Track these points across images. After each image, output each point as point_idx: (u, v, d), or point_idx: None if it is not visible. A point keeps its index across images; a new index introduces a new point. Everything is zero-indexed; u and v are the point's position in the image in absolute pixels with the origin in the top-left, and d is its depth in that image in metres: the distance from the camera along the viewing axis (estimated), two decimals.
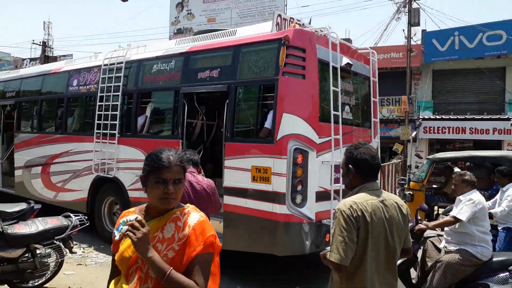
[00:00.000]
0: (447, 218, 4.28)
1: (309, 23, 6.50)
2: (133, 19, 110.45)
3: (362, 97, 6.44)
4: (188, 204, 1.87)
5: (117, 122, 6.85)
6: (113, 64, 7.17)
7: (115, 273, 1.88)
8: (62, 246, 4.93)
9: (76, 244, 6.51)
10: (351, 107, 6.09)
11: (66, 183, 7.84)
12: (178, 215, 1.78)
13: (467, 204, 4.02)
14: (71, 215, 5.07)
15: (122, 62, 7.04)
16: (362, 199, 2.25)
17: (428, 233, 4.43)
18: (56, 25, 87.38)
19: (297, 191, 4.89)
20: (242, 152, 5.41)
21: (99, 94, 7.23)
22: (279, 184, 4.89)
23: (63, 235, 4.85)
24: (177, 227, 1.74)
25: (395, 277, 2.37)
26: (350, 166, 2.39)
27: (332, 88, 5.28)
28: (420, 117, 18.57)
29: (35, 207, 5.27)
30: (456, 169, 9.12)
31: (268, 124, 5.17)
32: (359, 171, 2.36)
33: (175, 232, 1.73)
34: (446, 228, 4.25)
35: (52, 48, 41.57)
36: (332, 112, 5.27)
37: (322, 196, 5.18)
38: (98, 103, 7.21)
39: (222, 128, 6.32)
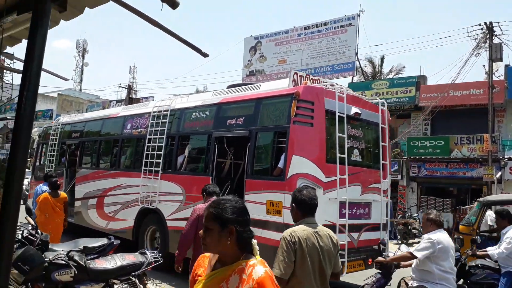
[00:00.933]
0: (404, 253, 4.64)
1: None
2: (209, 63, 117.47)
3: (372, 142, 7.30)
4: (257, 256, 1.85)
5: (161, 161, 7.97)
6: (160, 111, 8.43)
7: None
8: (137, 282, 5.03)
9: (150, 280, 6.72)
10: (360, 150, 6.93)
11: (116, 213, 8.89)
12: (244, 266, 1.78)
13: (425, 243, 4.26)
14: (147, 252, 5.23)
15: (167, 110, 8.32)
16: (299, 229, 2.92)
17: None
18: (140, 69, 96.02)
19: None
20: (259, 187, 6.31)
21: (147, 137, 8.41)
22: (289, 217, 5.21)
23: (139, 272, 4.96)
24: (241, 279, 1.74)
25: None
26: (293, 204, 3.09)
27: (338, 134, 6.18)
28: (506, 156, 17.37)
29: (114, 243, 5.51)
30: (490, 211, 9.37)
31: (280, 164, 6.06)
32: (299, 209, 3.04)
33: (239, 285, 1.74)
34: (412, 266, 4.50)
35: (136, 90, 45.52)
36: (338, 155, 6.12)
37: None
38: (146, 144, 8.37)
39: None
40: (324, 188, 5.97)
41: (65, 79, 4.13)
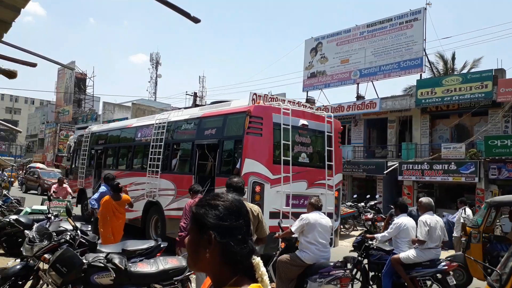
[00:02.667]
0: (287, 230, 5.80)
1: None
2: (271, 66, 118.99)
3: (320, 147, 8.88)
4: (260, 285, 1.35)
5: (160, 163, 9.91)
6: (160, 123, 10.38)
7: None
8: (180, 287, 4.89)
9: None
10: (308, 154, 8.62)
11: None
12: None
13: (299, 221, 5.48)
14: None
15: (165, 122, 10.25)
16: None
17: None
18: (209, 77, 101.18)
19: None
20: (223, 183, 7.13)
21: (151, 143, 10.34)
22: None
23: (182, 276, 4.81)
24: None
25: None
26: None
27: (283, 141, 7.91)
28: None
29: (162, 245, 5.51)
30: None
31: (238, 165, 7.83)
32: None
33: None
34: None
35: (204, 97, 47.20)
36: (282, 158, 7.88)
37: (275, 215, 7.44)
38: (150, 150, 10.28)
39: None
40: (271, 183, 7.69)
41: (18, 131, 4.24)
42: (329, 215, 7.78)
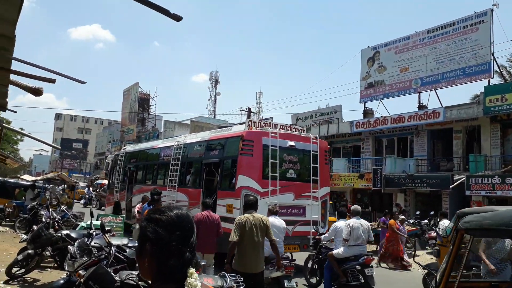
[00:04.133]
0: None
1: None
2: (328, 78, 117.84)
3: (306, 164, 10.29)
4: None
5: (177, 179, 11.73)
6: (178, 145, 12.29)
7: None
8: None
9: None
10: (295, 170, 10.15)
11: None
12: None
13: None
14: (227, 275, 4.91)
15: (181, 144, 12.15)
16: (242, 216, 5.53)
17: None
18: (266, 92, 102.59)
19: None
20: (223, 196, 9.76)
21: (171, 162, 12.16)
22: (237, 214, 8.58)
23: None
24: None
25: (261, 253, 5.43)
26: (242, 206, 7.05)
27: (271, 160, 9.52)
28: None
29: (202, 263, 5.49)
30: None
31: (233, 180, 9.52)
32: (244, 207, 5.88)
33: None
34: None
35: (261, 112, 47.55)
36: (270, 174, 9.48)
37: None
38: (170, 167, 12.07)
39: None
40: (261, 195, 9.09)
41: (82, 82, 4.34)
42: (315, 223, 9.93)
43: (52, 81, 3.41)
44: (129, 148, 17.41)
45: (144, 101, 48.44)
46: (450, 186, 17.47)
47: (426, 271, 5.95)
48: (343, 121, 27.17)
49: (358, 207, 8.24)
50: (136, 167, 15.42)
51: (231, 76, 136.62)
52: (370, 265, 7.59)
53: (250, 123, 10.23)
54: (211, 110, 62.70)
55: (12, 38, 2.57)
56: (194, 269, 1.44)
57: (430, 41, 22.93)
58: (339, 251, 7.66)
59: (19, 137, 51.89)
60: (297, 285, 5.97)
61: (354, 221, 7.70)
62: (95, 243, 5.55)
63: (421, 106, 23.13)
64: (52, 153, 79.41)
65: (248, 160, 9.43)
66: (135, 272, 4.65)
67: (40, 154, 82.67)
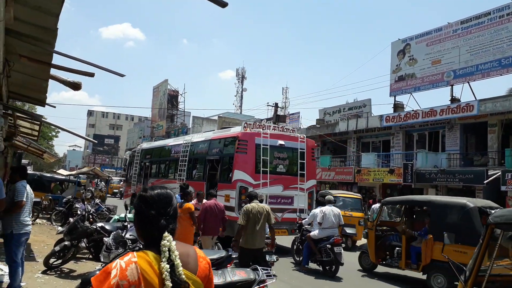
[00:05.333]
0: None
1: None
2: (355, 72, 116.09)
3: (295, 160, 12.02)
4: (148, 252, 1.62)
5: (185, 173, 13.60)
6: (186, 143, 14.19)
7: None
8: None
9: None
10: (284, 165, 11.92)
11: None
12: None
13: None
14: (259, 268, 4.92)
15: (189, 143, 14.03)
16: (249, 205, 6.54)
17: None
18: (292, 87, 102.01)
19: (241, 206, 8.39)
20: (223, 188, 11.34)
21: (180, 158, 14.02)
22: (233, 203, 10.77)
23: None
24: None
25: (263, 234, 6.46)
26: (247, 198, 7.23)
27: (262, 157, 11.25)
28: None
29: (233, 256, 5.55)
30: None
31: (230, 174, 11.25)
32: (249, 198, 6.89)
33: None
34: None
35: (287, 107, 47.41)
36: (261, 169, 11.25)
37: None
38: (179, 163, 13.99)
39: None
40: (253, 187, 10.71)
41: (121, 75, 4.44)
42: (301, 211, 11.50)
43: (91, 74, 3.50)
44: (145, 145, 19.44)
45: (173, 98, 49.14)
46: (485, 181, 16.94)
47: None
48: (372, 115, 26.74)
49: (331, 197, 10.17)
50: (150, 162, 17.36)
51: (258, 72, 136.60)
52: (339, 244, 9.18)
53: (246, 125, 12.00)
54: (238, 106, 62.96)
55: (55, 31, 2.64)
56: (169, 234, 1.66)
57: (463, 32, 22.19)
58: (315, 233, 9.34)
59: (54, 133, 53.70)
60: (277, 259, 6.78)
61: (327, 208, 9.44)
62: (130, 235, 5.69)
63: (453, 99, 22.46)
64: (85, 149, 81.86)
65: (242, 157, 11.18)
66: None
67: (73, 150, 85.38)
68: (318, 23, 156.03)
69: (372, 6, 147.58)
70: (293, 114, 35.92)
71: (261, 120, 39.43)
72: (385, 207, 11.10)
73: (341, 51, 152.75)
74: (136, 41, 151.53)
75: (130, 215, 8.18)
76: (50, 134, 52.92)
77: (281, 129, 12.37)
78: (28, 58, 3.40)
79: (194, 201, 8.73)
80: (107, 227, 7.76)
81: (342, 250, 9.23)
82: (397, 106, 25.83)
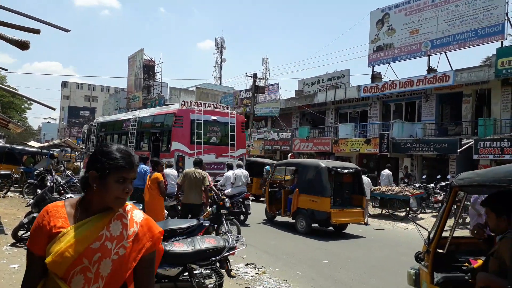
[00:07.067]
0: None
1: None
2: (334, 42, 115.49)
3: (226, 132, 14.27)
4: (126, 202, 1.81)
5: (134, 144, 15.41)
6: (134, 118, 16.25)
7: (36, 276, 1.65)
8: (218, 267, 4.76)
9: (251, 264, 6.86)
10: (217, 137, 14.11)
11: None
12: (122, 212, 1.73)
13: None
14: (229, 235, 4.94)
15: (137, 117, 16.15)
16: (188, 169, 8.48)
17: None
18: (272, 58, 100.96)
19: (180, 172, 10.66)
20: (163, 157, 12.57)
21: (129, 131, 16.03)
22: (170, 169, 10.76)
23: (220, 257, 4.64)
24: (123, 224, 1.69)
25: (199, 192, 8.17)
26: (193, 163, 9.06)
27: (196, 130, 13.35)
28: None
29: (204, 224, 5.44)
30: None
31: (169, 145, 13.22)
32: (194, 164, 8.75)
33: (123, 230, 1.68)
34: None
35: (268, 79, 46.94)
36: (196, 140, 13.37)
37: None
38: (129, 136, 15.98)
39: None
40: (189, 156, 12.75)
41: (52, 109, 4.41)
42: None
43: (36, 31, 3.24)
44: (101, 119, 21.27)
45: (149, 68, 47.96)
46: (458, 150, 17.29)
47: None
48: (350, 86, 26.73)
49: (240, 162, 13.06)
50: (105, 135, 19.18)
51: (238, 42, 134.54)
52: (248, 198, 11.29)
53: (183, 102, 14.19)
54: (217, 77, 62.05)
55: None
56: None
57: (442, 1, 22.08)
58: (228, 190, 11.12)
59: (26, 105, 52.01)
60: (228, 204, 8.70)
61: (237, 171, 11.63)
62: None
63: (430, 70, 22.58)
64: (60, 121, 79.89)
65: (179, 131, 13.17)
66: None
67: (48, 122, 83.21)
68: None
69: None
70: (272, 85, 35.56)
71: (240, 91, 39.50)
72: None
73: (321, 21, 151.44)
74: (111, 10, 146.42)
75: None
76: (22, 106, 51.31)
77: (215, 106, 14.86)
78: None
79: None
80: (76, 197, 7.56)
81: (250, 203, 11.55)
82: (375, 77, 25.85)
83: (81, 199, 1.75)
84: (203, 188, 8.13)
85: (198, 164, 8.44)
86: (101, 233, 1.64)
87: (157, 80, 48.30)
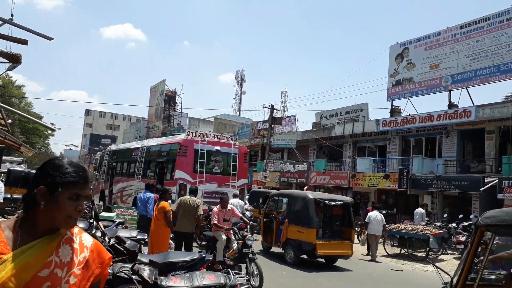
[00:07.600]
0: None
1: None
2: (354, 75, 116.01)
3: (228, 162, 14.48)
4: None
5: (141, 172, 15.91)
6: (143, 147, 16.73)
7: None
8: None
9: None
10: (219, 167, 14.36)
11: (127, 198, 16.59)
12: (70, 235, 1.56)
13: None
14: (231, 272, 4.67)
15: (145, 146, 16.59)
16: (183, 198, 8.74)
17: None
18: (292, 90, 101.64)
19: None
20: (167, 185, 12.40)
21: (138, 159, 16.44)
22: (174, 197, 11.38)
23: None
24: (73, 249, 1.54)
25: (192, 221, 8.29)
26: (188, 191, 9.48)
27: (199, 160, 13.64)
28: None
29: (206, 258, 5.23)
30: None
31: (173, 173, 13.53)
32: (188, 193, 9.13)
33: (73, 255, 1.53)
34: None
35: (286, 111, 47.08)
36: (198, 169, 13.57)
37: None
38: (137, 163, 16.39)
39: None
40: (191, 184, 12.00)
41: (52, 130, 4.24)
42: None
43: (24, 41, 3.14)
44: (113, 147, 21.70)
45: (170, 98, 48.71)
46: (481, 189, 16.57)
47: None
48: (369, 119, 26.39)
49: (236, 192, 13.24)
50: (116, 162, 19.54)
51: (257, 76, 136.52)
52: (243, 229, 10.34)
53: (188, 133, 14.76)
54: (236, 109, 62.55)
55: None
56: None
57: (462, 36, 21.92)
58: None
59: (49, 132, 53.19)
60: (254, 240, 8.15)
61: (233, 200, 11.56)
62: (94, 233, 5.31)
63: (451, 105, 22.14)
64: (81, 148, 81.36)
65: (183, 160, 13.55)
66: (129, 265, 4.37)
67: (70, 149, 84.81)
68: (318, 26, 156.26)
69: (371, 10, 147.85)
70: (289, 117, 35.44)
71: (257, 122, 39.52)
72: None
73: (340, 55, 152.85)
74: (137, 42, 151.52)
75: (105, 214, 7.87)
76: (46, 133, 52.52)
77: (219, 137, 15.25)
78: None
79: (217, 207, 8.70)
80: (80, 225, 7.36)
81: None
82: (394, 111, 25.50)
83: (21, 220, 1.54)
84: (196, 216, 8.20)
85: (193, 192, 8.60)
86: (49, 259, 1.47)
87: (177, 110, 48.95)
